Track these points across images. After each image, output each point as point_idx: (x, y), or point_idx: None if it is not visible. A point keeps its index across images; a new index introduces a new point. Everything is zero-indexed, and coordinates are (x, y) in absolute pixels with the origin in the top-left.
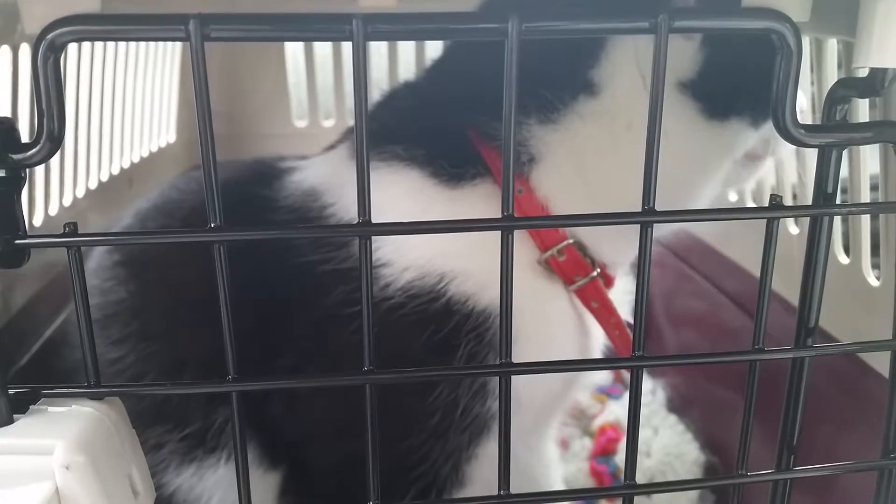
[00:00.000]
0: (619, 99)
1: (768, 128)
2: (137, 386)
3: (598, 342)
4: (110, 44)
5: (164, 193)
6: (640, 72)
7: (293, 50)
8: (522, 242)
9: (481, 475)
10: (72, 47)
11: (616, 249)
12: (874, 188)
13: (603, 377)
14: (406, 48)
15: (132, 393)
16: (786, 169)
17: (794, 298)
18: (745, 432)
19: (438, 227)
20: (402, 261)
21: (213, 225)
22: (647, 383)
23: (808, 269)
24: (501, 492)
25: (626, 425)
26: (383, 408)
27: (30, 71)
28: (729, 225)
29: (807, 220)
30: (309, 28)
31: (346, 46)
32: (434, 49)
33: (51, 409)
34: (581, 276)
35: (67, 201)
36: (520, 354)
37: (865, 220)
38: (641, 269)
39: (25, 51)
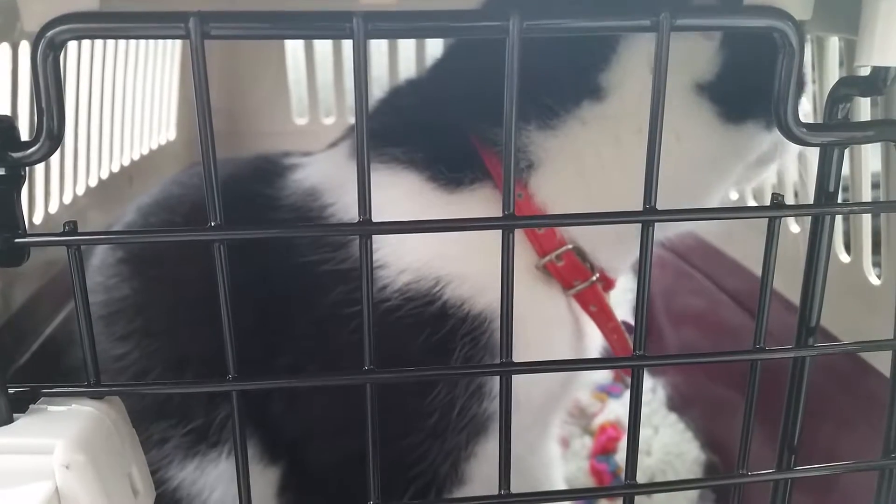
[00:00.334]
0: (629, 103)
1: None
2: (137, 385)
3: (595, 346)
4: (110, 41)
5: (166, 189)
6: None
7: (293, 47)
8: (520, 247)
9: (481, 473)
10: (71, 45)
11: (615, 254)
12: (875, 186)
13: (603, 376)
14: (407, 46)
15: (132, 392)
16: (787, 167)
17: (794, 297)
18: (746, 432)
19: (440, 226)
20: (398, 263)
21: (213, 224)
22: (648, 382)
23: (810, 267)
24: (502, 491)
25: (626, 424)
26: (381, 407)
27: (29, 69)
28: (730, 223)
29: (808, 219)
30: (309, 26)
31: (347, 44)
32: (435, 47)
33: (51, 408)
34: (580, 281)
35: (67, 199)
36: (517, 357)
37: (867, 218)
38: (643, 269)
39: (25, 48)
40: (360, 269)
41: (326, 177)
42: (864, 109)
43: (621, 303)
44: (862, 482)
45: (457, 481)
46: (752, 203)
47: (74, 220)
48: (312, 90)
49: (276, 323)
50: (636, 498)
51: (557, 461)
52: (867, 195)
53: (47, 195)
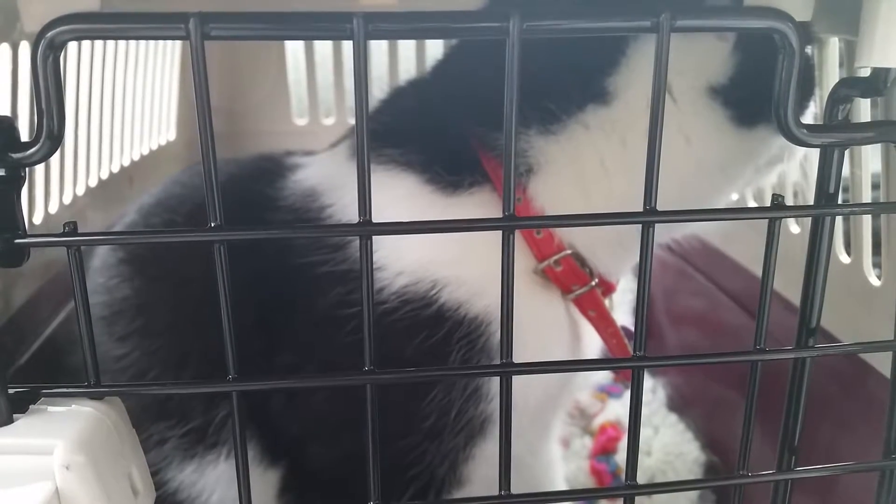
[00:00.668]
0: (636, 107)
1: None
2: (137, 385)
3: (593, 351)
4: (110, 42)
5: (167, 188)
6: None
7: (293, 48)
8: (519, 251)
9: (480, 475)
10: (72, 45)
11: (615, 259)
12: (875, 187)
13: (603, 375)
14: (407, 46)
15: (132, 392)
16: (788, 168)
17: (795, 298)
18: (747, 432)
19: (440, 226)
20: (396, 265)
21: (213, 224)
22: (648, 382)
23: (810, 268)
24: (502, 492)
25: (626, 424)
26: (380, 407)
27: (29, 69)
28: (730, 224)
29: (808, 220)
30: (309, 27)
31: (347, 44)
32: (435, 47)
33: (51, 408)
34: (578, 286)
35: (68, 199)
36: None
37: (867, 219)
38: (643, 271)
39: (25, 49)
40: (360, 271)
41: (325, 178)
42: (864, 110)
43: (621, 303)
44: (862, 483)
45: (455, 483)
46: (752, 203)
47: (74, 220)
48: (312, 90)
49: (276, 322)
50: (636, 498)
51: (558, 462)
52: (867, 196)
53: (47, 195)
